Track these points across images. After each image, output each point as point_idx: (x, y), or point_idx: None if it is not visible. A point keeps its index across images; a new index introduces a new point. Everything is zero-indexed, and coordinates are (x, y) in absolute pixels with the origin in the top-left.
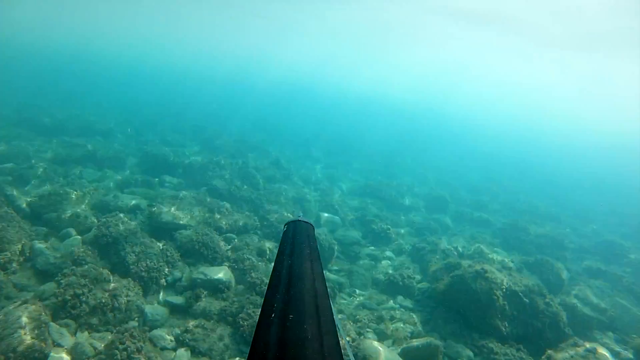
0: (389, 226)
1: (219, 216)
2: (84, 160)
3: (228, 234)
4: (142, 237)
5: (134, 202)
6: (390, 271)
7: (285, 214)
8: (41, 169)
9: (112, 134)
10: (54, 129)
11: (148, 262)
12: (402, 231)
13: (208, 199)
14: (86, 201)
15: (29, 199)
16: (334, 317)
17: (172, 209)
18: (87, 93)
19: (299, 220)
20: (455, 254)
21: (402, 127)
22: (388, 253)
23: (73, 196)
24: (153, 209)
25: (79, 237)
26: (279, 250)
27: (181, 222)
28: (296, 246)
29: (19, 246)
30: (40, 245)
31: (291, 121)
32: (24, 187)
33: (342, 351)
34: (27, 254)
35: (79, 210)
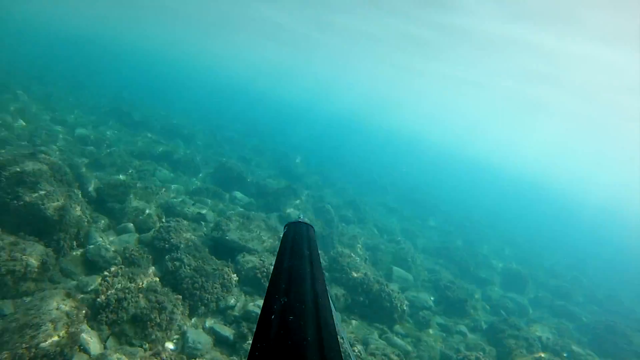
0: (466, 297)
1: None
2: (160, 159)
3: None
4: (202, 251)
5: (200, 211)
6: (463, 349)
7: (358, 259)
8: (119, 159)
9: (193, 140)
10: (139, 124)
11: (202, 281)
12: (477, 305)
13: (278, 227)
14: (153, 200)
15: (98, 184)
16: (334, 319)
17: (240, 228)
18: (176, 97)
19: (299, 221)
20: (539, 345)
21: (483, 187)
22: (462, 327)
23: (141, 191)
24: (220, 224)
25: (137, 234)
26: (279, 251)
27: (248, 244)
28: (296, 247)
29: (76, 230)
30: (96, 233)
31: (372, 163)
32: (97, 171)
33: (343, 354)
34: (82, 240)
35: (143, 206)
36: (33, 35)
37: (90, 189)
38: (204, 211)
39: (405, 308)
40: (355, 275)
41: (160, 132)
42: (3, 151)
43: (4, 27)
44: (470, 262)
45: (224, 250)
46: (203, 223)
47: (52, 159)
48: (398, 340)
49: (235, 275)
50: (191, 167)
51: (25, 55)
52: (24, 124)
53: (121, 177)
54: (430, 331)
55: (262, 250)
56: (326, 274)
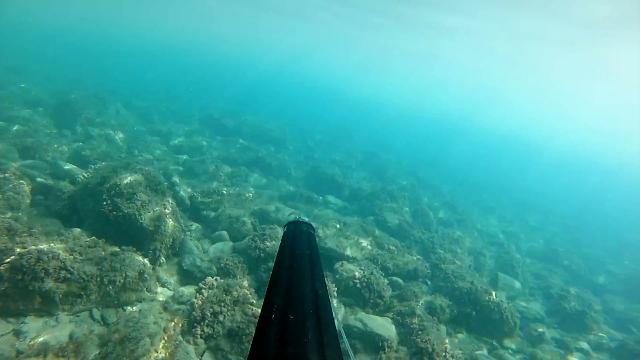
0: (584, 308)
1: (387, 254)
2: (252, 165)
3: (394, 278)
4: None
5: (294, 217)
6: None
7: (461, 266)
8: (212, 166)
9: (283, 145)
10: (231, 131)
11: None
12: (599, 318)
13: (376, 232)
14: (246, 206)
15: (191, 192)
16: (334, 317)
17: (337, 234)
18: (263, 102)
19: (299, 221)
20: None
21: (592, 182)
22: (583, 344)
23: (234, 198)
24: (318, 232)
25: (231, 242)
26: (279, 250)
27: (346, 252)
28: (296, 247)
29: (171, 239)
30: (190, 242)
31: (465, 162)
32: (191, 179)
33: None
34: (177, 249)
35: (237, 214)
36: (125, 50)
37: (185, 197)
38: (297, 217)
39: (516, 321)
40: (461, 284)
41: (251, 137)
42: (104, 164)
43: (106, 46)
44: (583, 266)
45: (322, 258)
46: None
47: (147, 169)
48: (510, 358)
49: (334, 285)
50: (283, 171)
51: (123, 71)
52: (122, 136)
53: (214, 184)
54: (545, 347)
55: (360, 258)
56: (428, 282)
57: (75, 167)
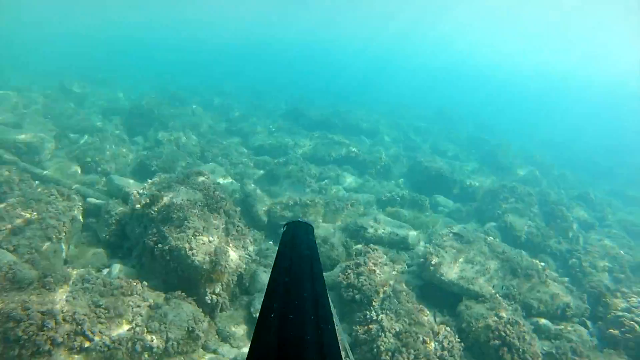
0: None
1: (525, 283)
2: (344, 163)
3: (542, 320)
4: (408, 302)
5: (399, 232)
6: None
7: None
8: (296, 168)
9: (378, 135)
10: (318, 123)
11: (411, 354)
12: None
13: (506, 251)
14: (338, 218)
15: (270, 205)
16: (334, 317)
17: (457, 258)
18: (353, 91)
19: (299, 220)
20: None
21: None
22: None
23: (323, 209)
24: (429, 257)
25: None
26: (278, 250)
27: (473, 286)
28: (296, 247)
29: (235, 276)
30: (264, 275)
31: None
32: (271, 185)
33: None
34: (247, 284)
35: (325, 232)
36: (207, 47)
37: (260, 212)
38: (403, 231)
39: None
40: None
41: (342, 130)
42: (162, 177)
43: (185, 46)
44: None
45: (438, 295)
46: (404, 251)
47: (207, 182)
48: None
49: (457, 339)
50: (380, 168)
51: (206, 69)
52: (195, 139)
53: (295, 195)
54: None
55: (491, 296)
56: (588, 324)
57: (132, 181)
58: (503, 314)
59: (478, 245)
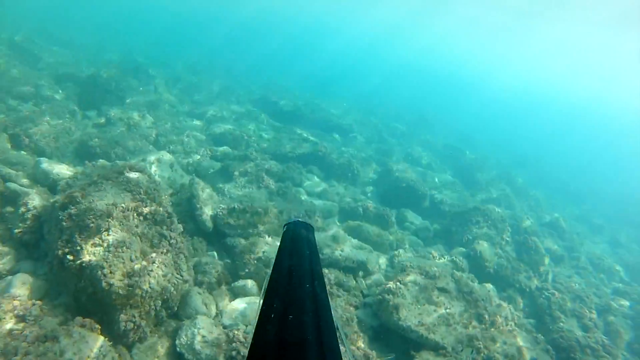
0: None
1: (489, 332)
2: (310, 162)
3: None
4: (355, 349)
5: (358, 256)
6: None
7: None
8: (253, 166)
9: (352, 133)
10: (289, 115)
11: None
12: None
13: (474, 291)
14: None
15: (219, 209)
16: (334, 318)
17: (419, 295)
18: (334, 82)
19: (298, 220)
20: None
21: None
22: None
23: (277, 218)
24: (386, 295)
25: (259, 301)
26: (278, 250)
27: (432, 336)
28: (296, 247)
29: (160, 300)
30: (198, 298)
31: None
32: (224, 182)
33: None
34: (175, 308)
35: (274, 250)
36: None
37: (205, 216)
38: (362, 254)
39: None
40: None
41: (313, 124)
42: (99, 163)
43: (170, 17)
44: None
45: (394, 339)
46: (361, 279)
47: (140, 181)
48: None
49: None
50: (348, 172)
51: (183, 43)
52: (151, 121)
53: (250, 193)
54: None
55: (452, 343)
56: None
57: (65, 166)
58: None
59: (444, 281)
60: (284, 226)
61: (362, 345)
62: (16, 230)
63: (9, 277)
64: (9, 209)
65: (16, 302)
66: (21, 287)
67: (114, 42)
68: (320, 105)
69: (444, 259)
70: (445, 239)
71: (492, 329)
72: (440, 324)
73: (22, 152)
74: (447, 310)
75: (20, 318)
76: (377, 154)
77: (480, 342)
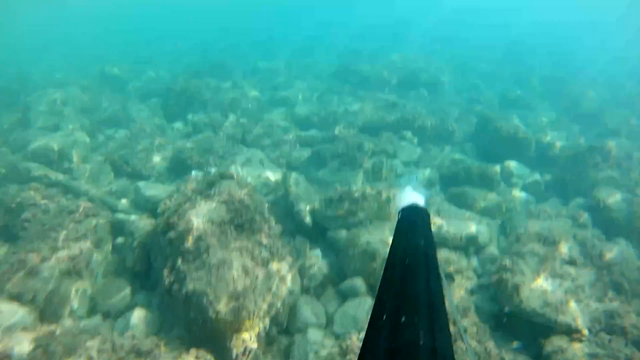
0: None
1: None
2: (401, 128)
3: None
4: (477, 343)
5: (466, 229)
6: None
7: None
8: (344, 146)
9: (439, 85)
10: (372, 80)
11: None
12: None
13: (604, 253)
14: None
15: (316, 204)
16: (453, 310)
17: (540, 271)
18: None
19: (414, 206)
20: None
21: None
22: None
23: (376, 202)
24: (507, 277)
25: (370, 300)
26: (392, 240)
27: (562, 317)
28: (411, 237)
29: (267, 318)
30: (307, 309)
31: None
32: (318, 169)
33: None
34: (284, 324)
35: (379, 236)
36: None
37: (304, 212)
38: (470, 227)
39: None
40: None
41: (397, 85)
42: (182, 186)
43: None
44: None
45: (519, 325)
46: (473, 256)
47: (233, 190)
48: None
49: None
50: (442, 131)
51: (252, 31)
52: (233, 119)
53: (349, 180)
54: None
55: (588, 324)
56: None
57: (162, 187)
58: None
59: (566, 246)
60: (399, 213)
61: (483, 339)
62: (127, 262)
63: (128, 314)
64: (120, 239)
65: (135, 341)
66: (138, 323)
67: (186, 46)
68: (402, 62)
69: (562, 216)
70: (560, 190)
71: (635, 301)
72: (568, 301)
73: (123, 178)
74: (575, 283)
75: (138, 353)
76: (469, 104)
77: (623, 319)
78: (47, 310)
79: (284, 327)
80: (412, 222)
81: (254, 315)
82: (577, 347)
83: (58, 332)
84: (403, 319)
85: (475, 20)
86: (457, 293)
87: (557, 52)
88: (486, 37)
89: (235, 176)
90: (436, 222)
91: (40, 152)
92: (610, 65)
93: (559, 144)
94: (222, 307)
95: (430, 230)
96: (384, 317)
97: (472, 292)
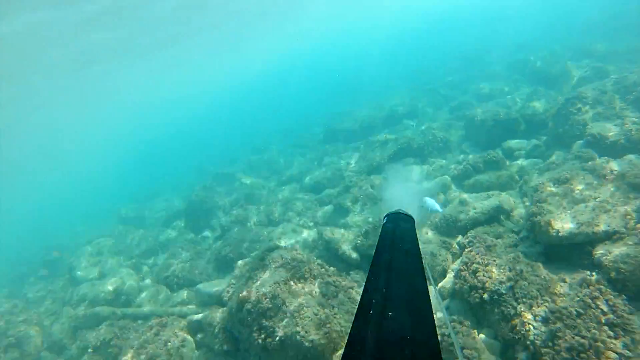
0: None
1: None
2: (401, 156)
3: None
4: (535, 276)
5: (490, 204)
6: None
7: None
8: (357, 189)
9: (419, 111)
10: (358, 131)
11: (570, 333)
12: None
13: (613, 168)
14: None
15: (353, 240)
16: (434, 315)
17: (564, 205)
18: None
19: (399, 212)
20: None
21: None
22: None
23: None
24: (538, 220)
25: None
26: (378, 243)
27: (597, 228)
28: (396, 240)
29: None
30: None
31: None
32: (345, 217)
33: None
34: None
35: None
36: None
37: (348, 252)
38: (494, 201)
39: None
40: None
41: (382, 126)
42: (239, 266)
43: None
44: None
45: (564, 252)
46: (506, 221)
47: (283, 254)
48: None
49: (615, 294)
50: (439, 144)
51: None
52: (254, 207)
53: (374, 210)
54: None
55: (627, 227)
56: None
57: (217, 281)
58: None
59: (579, 179)
60: (384, 217)
61: (544, 272)
62: (216, 347)
63: None
64: (200, 335)
65: None
66: None
67: (182, 171)
68: (380, 107)
69: (568, 160)
70: (559, 143)
71: None
72: (598, 215)
73: (181, 291)
74: (598, 200)
75: None
76: (452, 113)
77: None
78: None
79: None
80: (397, 226)
81: (342, 333)
82: (620, 244)
83: None
84: (390, 314)
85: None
86: (502, 252)
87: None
88: (429, 56)
89: (279, 246)
90: (462, 210)
91: (99, 297)
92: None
93: (541, 108)
94: (314, 335)
95: (416, 235)
96: (371, 312)
97: (515, 245)
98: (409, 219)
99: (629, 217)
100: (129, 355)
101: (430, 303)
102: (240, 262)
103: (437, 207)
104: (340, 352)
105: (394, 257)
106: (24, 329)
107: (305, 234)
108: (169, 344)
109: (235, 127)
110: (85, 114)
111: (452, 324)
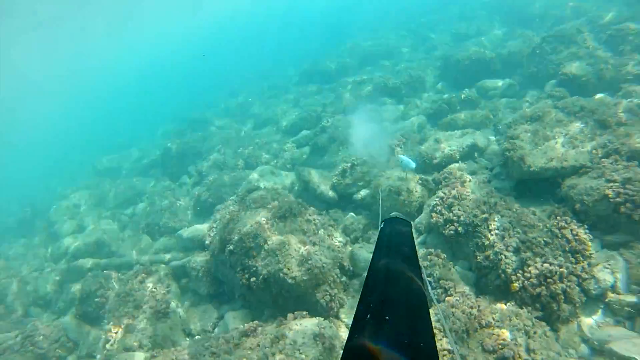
0: None
1: (633, 135)
2: (377, 96)
3: None
4: (507, 210)
5: (464, 141)
6: None
7: None
8: (334, 130)
9: (396, 50)
10: (334, 73)
11: (539, 261)
12: None
13: (584, 105)
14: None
15: (332, 180)
16: (431, 319)
17: (536, 141)
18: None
19: (396, 217)
20: None
21: None
22: None
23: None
24: (511, 155)
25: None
26: (375, 247)
27: (566, 163)
28: (393, 244)
29: (336, 265)
30: (362, 249)
31: None
32: (323, 157)
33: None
34: (350, 268)
35: (398, 178)
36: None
37: (327, 192)
38: (468, 139)
39: None
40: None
41: (359, 66)
42: (221, 208)
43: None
44: None
45: (535, 188)
46: (480, 158)
47: (263, 194)
48: None
49: (578, 224)
50: (414, 83)
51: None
52: (230, 152)
53: (349, 149)
54: None
55: (592, 162)
56: None
57: (199, 226)
58: (615, 177)
59: (550, 116)
60: (381, 222)
61: (515, 206)
62: (201, 291)
63: (221, 321)
64: (184, 280)
65: (239, 328)
66: (233, 321)
67: (158, 118)
68: (356, 46)
69: (542, 99)
70: (534, 82)
71: (621, 128)
72: (567, 150)
73: (161, 238)
74: (567, 136)
75: (244, 334)
76: (428, 53)
77: (615, 143)
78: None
79: (353, 271)
80: (395, 230)
81: (324, 268)
82: (585, 177)
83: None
84: (387, 318)
85: None
86: (476, 187)
87: None
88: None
89: (257, 188)
90: (437, 148)
91: (81, 249)
92: None
93: (517, 48)
94: (296, 272)
95: (413, 239)
96: (368, 316)
97: (489, 181)
98: (406, 223)
99: (595, 152)
100: (116, 304)
101: (427, 307)
102: (219, 205)
103: (412, 164)
104: (323, 287)
105: (391, 261)
106: (7, 285)
107: (284, 175)
108: (155, 290)
109: (212, 73)
110: (54, 65)
111: (428, 257)
